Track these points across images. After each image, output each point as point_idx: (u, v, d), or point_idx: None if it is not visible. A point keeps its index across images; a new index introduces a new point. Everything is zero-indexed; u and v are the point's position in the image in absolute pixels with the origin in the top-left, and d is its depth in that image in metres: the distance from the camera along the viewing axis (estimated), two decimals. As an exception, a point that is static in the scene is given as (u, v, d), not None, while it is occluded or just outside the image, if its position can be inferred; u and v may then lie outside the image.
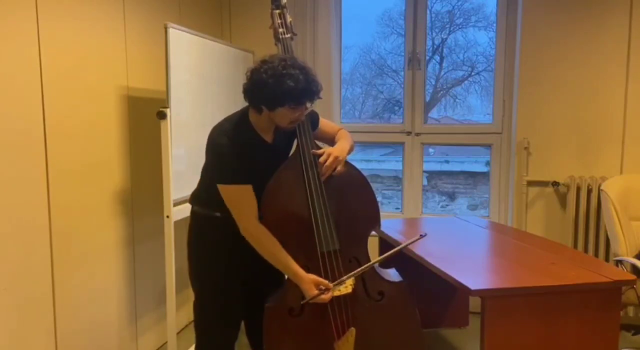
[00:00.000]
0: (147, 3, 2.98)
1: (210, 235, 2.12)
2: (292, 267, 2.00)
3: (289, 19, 2.24)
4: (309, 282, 1.98)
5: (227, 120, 2.10)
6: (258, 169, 2.05)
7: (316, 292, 1.97)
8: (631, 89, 3.35)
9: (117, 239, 2.80)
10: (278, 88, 1.88)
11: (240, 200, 2.00)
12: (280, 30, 2.21)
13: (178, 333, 3.12)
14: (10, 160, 2.14)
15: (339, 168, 2.11)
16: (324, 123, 2.31)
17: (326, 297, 1.98)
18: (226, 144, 2.00)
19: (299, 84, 1.89)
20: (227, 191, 2.00)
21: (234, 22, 3.86)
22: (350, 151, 2.23)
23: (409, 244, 2.14)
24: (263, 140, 2.09)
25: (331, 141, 2.28)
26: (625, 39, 3.33)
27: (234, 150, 1.99)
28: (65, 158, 2.41)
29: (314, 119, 2.24)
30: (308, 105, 2.01)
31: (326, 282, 1.99)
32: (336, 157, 2.10)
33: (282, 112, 1.95)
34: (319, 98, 2.01)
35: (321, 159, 2.08)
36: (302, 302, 2.00)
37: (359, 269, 2.05)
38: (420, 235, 2.15)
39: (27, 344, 2.24)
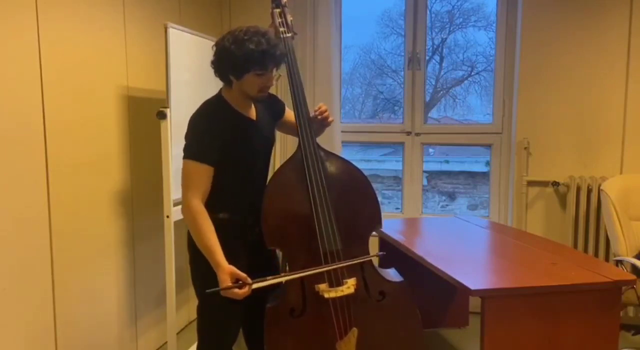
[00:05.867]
0: (147, 3, 2.98)
1: None
2: (215, 255, 1.94)
3: (289, 17, 2.24)
4: (227, 273, 1.91)
5: (203, 102, 2.13)
6: (245, 142, 2.08)
7: (230, 284, 1.90)
8: (631, 89, 3.35)
9: (117, 238, 2.80)
10: (240, 52, 1.93)
11: (195, 176, 1.99)
12: (281, 29, 2.20)
13: (178, 333, 3.12)
14: (11, 161, 2.14)
15: (330, 118, 2.23)
16: (291, 115, 2.30)
17: (240, 292, 1.90)
18: (199, 121, 2.04)
19: (260, 46, 1.93)
20: (186, 165, 2.00)
21: (234, 22, 3.86)
22: None
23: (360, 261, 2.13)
24: (245, 117, 2.11)
25: (296, 134, 2.28)
26: (625, 39, 3.33)
27: (205, 127, 2.02)
28: (65, 158, 2.41)
29: (280, 107, 2.29)
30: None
31: (244, 276, 1.92)
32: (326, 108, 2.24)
33: (249, 79, 1.99)
34: (284, 62, 2.07)
35: (320, 110, 2.21)
36: (207, 291, 1.92)
37: (316, 268, 2.03)
38: (377, 254, 2.20)
39: (27, 344, 2.24)
